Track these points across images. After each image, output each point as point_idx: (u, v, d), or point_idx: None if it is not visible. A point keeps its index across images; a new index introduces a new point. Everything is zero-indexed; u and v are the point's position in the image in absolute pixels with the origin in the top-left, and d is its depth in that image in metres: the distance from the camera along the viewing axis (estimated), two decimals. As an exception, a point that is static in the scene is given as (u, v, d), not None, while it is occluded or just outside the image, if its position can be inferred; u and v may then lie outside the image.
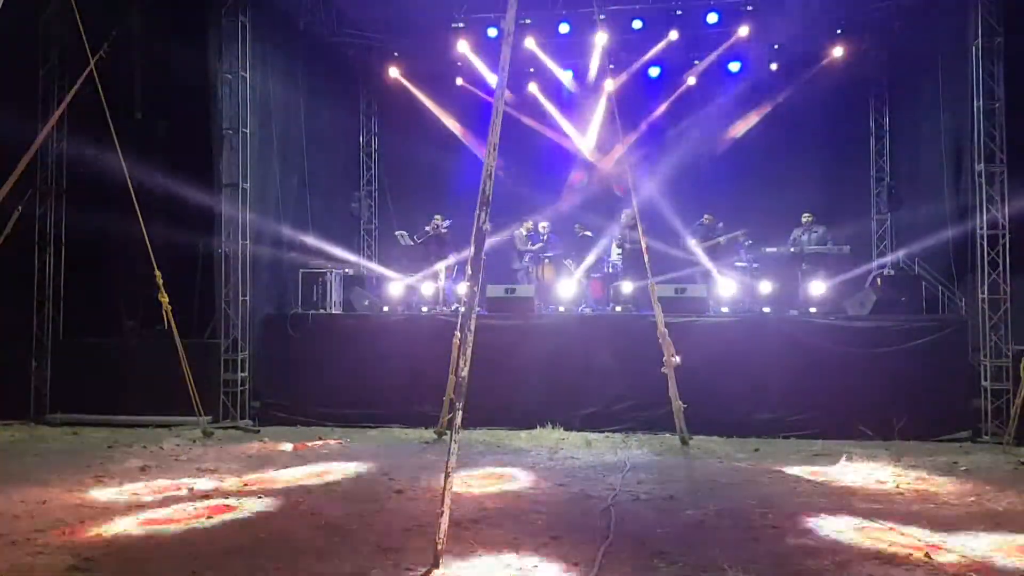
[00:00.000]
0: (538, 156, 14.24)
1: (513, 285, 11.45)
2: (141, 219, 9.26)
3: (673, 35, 12.71)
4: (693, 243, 12.02)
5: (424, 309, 11.78)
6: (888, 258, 12.85)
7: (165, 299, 9.49)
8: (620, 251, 12.40)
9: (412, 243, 12.96)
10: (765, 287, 11.47)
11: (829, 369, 9.60)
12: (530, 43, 12.85)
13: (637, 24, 12.51)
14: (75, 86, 9.58)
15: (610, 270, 12.69)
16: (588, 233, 13.12)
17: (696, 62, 13.35)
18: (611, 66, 10.16)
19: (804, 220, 11.89)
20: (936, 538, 5.54)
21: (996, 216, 9.52)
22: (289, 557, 5.17)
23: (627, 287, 11.67)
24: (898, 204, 13.09)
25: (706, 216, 12.30)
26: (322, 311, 11.36)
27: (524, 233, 12.94)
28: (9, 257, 10.07)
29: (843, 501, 6.60)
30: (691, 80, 13.55)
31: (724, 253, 12.01)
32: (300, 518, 6.18)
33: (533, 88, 14.04)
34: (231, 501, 6.68)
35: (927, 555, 5.15)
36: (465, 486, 6.95)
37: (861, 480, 7.37)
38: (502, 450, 8.82)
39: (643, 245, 9.25)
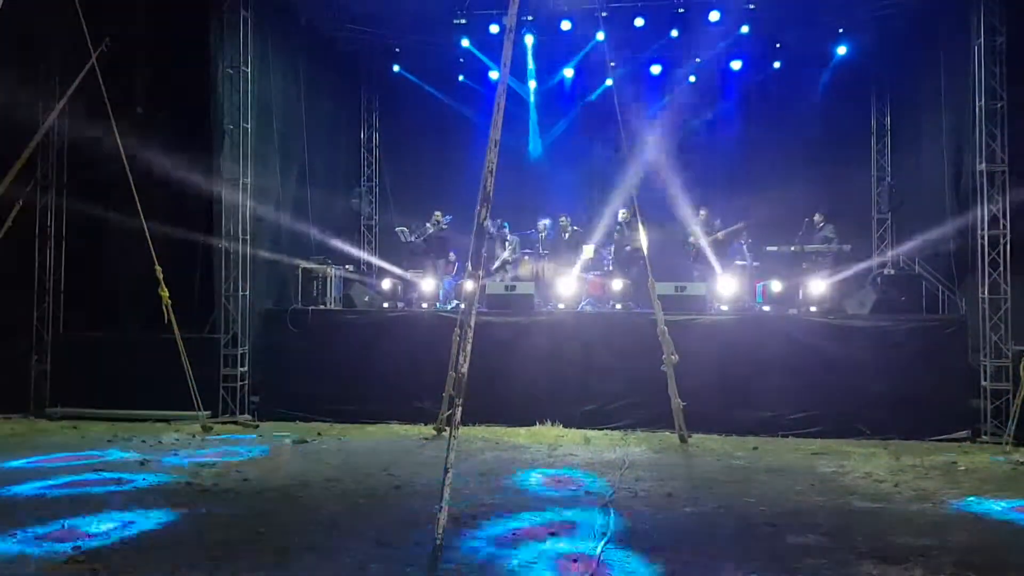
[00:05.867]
0: None
1: (513, 283, 11.44)
2: (142, 213, 9.28)
3: (675, 33, 12.71)
4: (695, 236, 12.01)
5: (424, 305, 11.78)
6: (888, 257, 12.85)
7: (165, 293, 9.51)
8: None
9: (413, 239, 12.96)
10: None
11: (828, 368, 9.60)
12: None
13: (639, 22, 12.50)
14: (76, 80, 9.59)
15: (609, 268, 12.69)
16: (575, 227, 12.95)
17: (698, 60, 13.33)
18: (612, 63, 10.14)
19: (816, 219, 11.85)
20: (934, 538, 5.54)
21: (997, 216, 9.53)
22: (286, 551, 5.17)
23: (619, 285, 11.66)
24: (899, 203, 13.09)
25: (702, 211, 12.27)
26: (321, 307, 11.36)
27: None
28: (9, 251, 10.08)
29: (841, 499, 6.61)
30: (693, 78, 13.53)
31: (723, 249, 12.00)
32: (299, 513, 6.19)
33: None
34: (229, 495, 6.69)
35: (923, 554, 5.15)
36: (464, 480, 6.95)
37: (859, 479, 7.37)
38: (501, 447, 8.81)
39: (644, 243, 9.25)
